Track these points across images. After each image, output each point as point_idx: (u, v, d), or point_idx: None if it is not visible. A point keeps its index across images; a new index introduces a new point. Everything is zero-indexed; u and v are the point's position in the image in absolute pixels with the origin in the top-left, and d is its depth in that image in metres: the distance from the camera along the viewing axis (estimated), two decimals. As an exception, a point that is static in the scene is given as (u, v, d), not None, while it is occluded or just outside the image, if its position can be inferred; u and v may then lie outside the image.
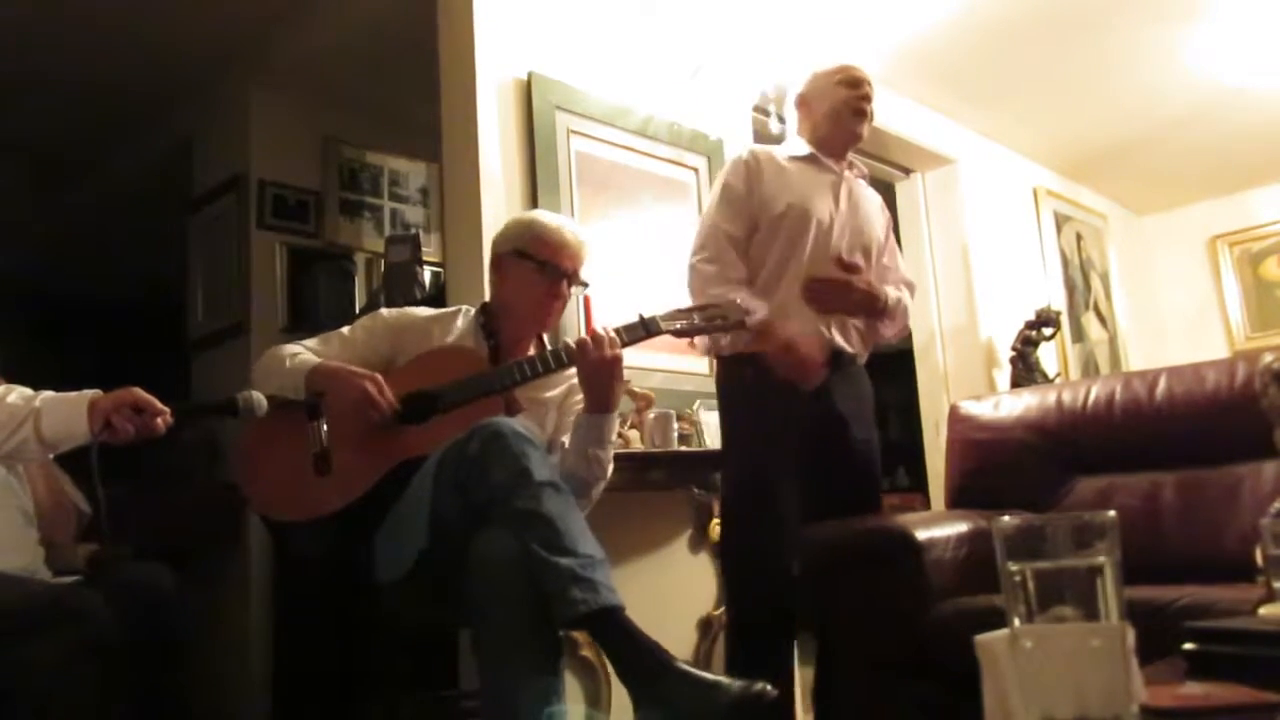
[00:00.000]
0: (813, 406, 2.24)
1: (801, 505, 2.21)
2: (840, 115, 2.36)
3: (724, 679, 1.47)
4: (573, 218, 2.80)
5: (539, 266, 2.05)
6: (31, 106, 3.89)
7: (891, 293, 2.36)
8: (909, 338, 4.50)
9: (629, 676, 1.50)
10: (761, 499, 2.22)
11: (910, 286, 2.50)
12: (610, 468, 2.00)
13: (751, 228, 2.30)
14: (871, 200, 2.47)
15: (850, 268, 2.28)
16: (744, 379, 2.31)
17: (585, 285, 2.16)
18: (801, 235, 2.27)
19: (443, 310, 2.14)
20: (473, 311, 2.14)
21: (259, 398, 1.83)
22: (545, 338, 2.21)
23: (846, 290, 2.26)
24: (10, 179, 4.52)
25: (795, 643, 2.23)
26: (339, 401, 1.85)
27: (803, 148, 2.40)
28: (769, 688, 1.44)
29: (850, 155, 2.45)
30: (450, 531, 1.65)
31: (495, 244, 2.16)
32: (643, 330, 1.98)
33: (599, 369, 1.89)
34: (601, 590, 1.52)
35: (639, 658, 1.50)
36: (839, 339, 2.28)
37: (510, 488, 1.58)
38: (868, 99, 2.37)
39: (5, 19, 3.28)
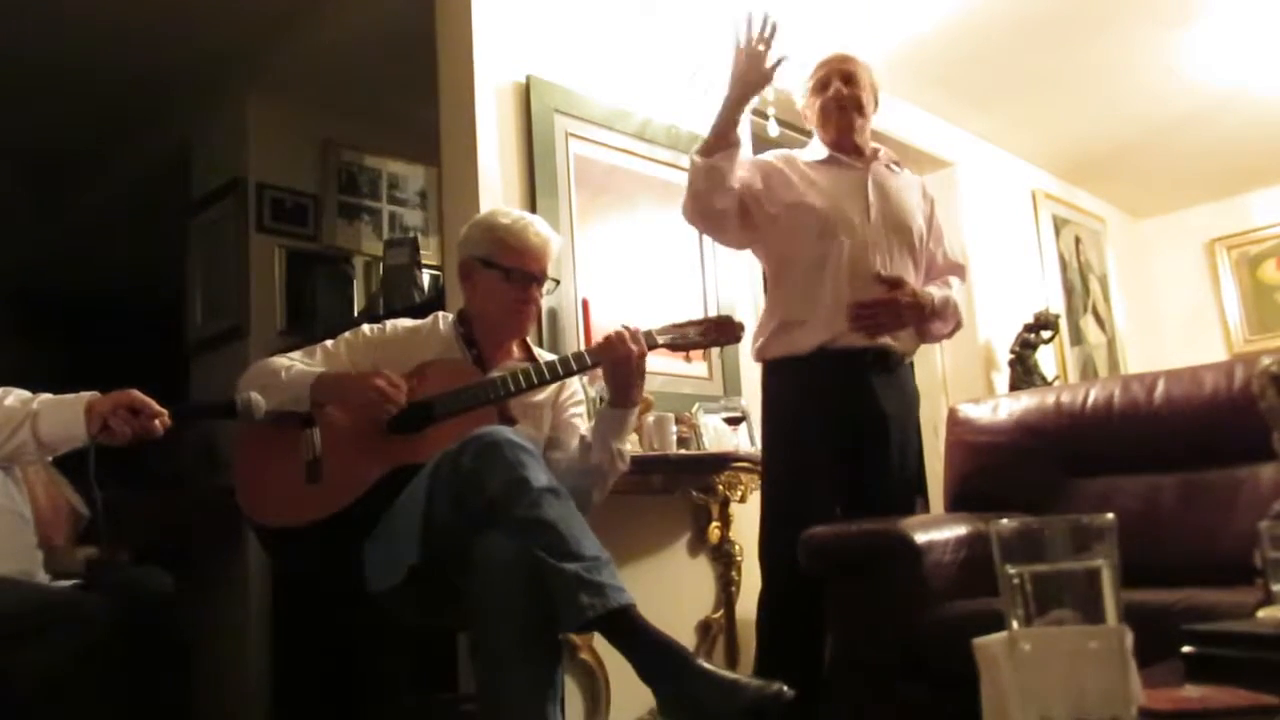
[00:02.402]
0: (858, 407, 2.25)
1: (840, 504, 2.24)
2: (825, 118, 2.40)
3: (741, 677, 1.48)
4: (571, 221, 2.80)
5: (505, 274, 2.03)
6: (31, 110, 3.89)
7: (936, 293, 2.33)
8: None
9: (650, 676, 1.51)
10: (797, 501, 2.24)
11: (960, 270, 2.47)
12: (628, 462, 2.03)
13: (749, 202, 2.32)
14: (908, 186, 2.44)
15: (892, 282, 2.24)
16: (783, 381, 2.33)
17: (556, 283, 2.16)
18: (834, 240, 2.27)
19: (421, 322, 2.13)
20: (451, 318, 2.13)
21: (258, 399, 1.82)
22: (529, 339, 2.21)
23: (892, 308, 2.24)
24: (10, 181, 4.52)
25: (824, 646, 2.23)
26: (349, 404, 1.85)
27: (820, 151, 2.41)
28: (785, 689, 1.44)
29: (876, 144, 2.45)
30: (444, 542, 1.65)
31: (460, 250, 2.14)
32: None
33: (624, 363, 1.92)
34: (609, 592, 1.52)
35: (656, 656, 1.50)
36: (888, 339, 2.28)
37: (509, 497, 1.58)
38: (838, 95, 2.36)
39: (5, 22, 3.28)
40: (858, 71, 2.40)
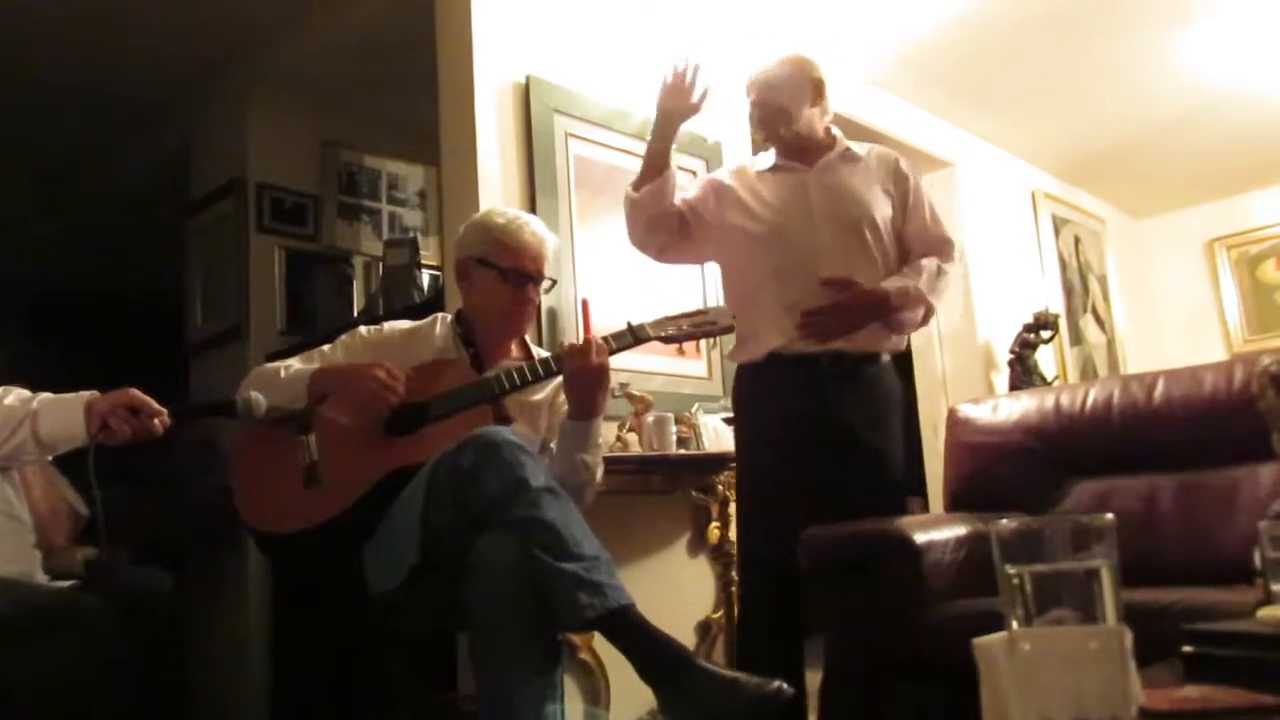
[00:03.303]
0: (816, 413, 2.22)
1: (816, 511, 2.20)
2: (753, 131, 2.43)
3: (741, 675, 1.48)
4: (571, 221, 2.80)
5: (502, 274, 2.04)
6: (31, 110, 3.89)
7: (893, 285, 2.26)
8: (907, 340, 4.51)
9: (650, 675, 1.51)
10: (760, 505, 2.26)
11: (942, 247, 2.36)
12: (600, 471, 2.01)
13: (694, 222, 2.36)
14: (867, 174, 2.36)
15: (838, 284, 2.22)
16: (744, 387, 2.34)
17: (553, 282, 2.16)
18: (777, 249, 2.27)
19: (419, 323, 2.13)
20: (449, 319, 2.13)
21: (258, 398, 1.83)
22: (527, 338, 2.22)
23: (839, 311, 2.21)
24: (10, 182, 4.52)
25: (803, 645, 2.23)
26: (348, 395, 1.85)
27: (768, 159, 2.43)
28: (785, 686, 1.45)
29: (836, 134, 2.42)
30: (444, 543, 1.65)
31: (456, 250, 2.14)
32: (630, 338, 1.99)
33: (583, 375, 1.89)
34: (608, 591, 1.52)
35: (657, 655, 1.51)
36: (841, 342, 2.23)
37: (508, 497, 1.58)
38: (753, 108, 2.38)
39: (4, 22, 3.28)
40: (769, 77, 2.37)
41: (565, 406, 2.07)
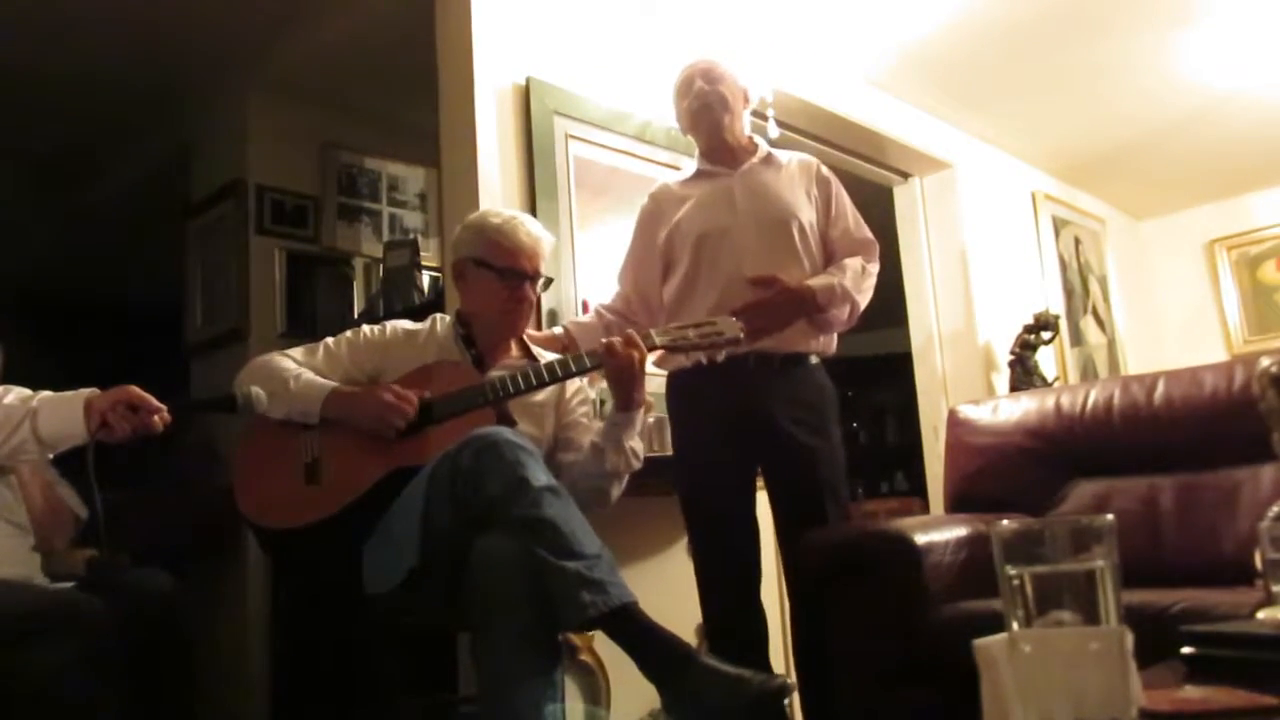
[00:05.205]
0: (746, 413, 2.22)
1: (750, 509, 2.29)
2: (691, 123, 2.40)
3: (745, 672, 1.48)
4: (571, 222, 2.80)
5: (498, 274, 2.05)
6: (31, 112, 3.89)
7: (818, 283, 2.23)
8: (907, 341, 4.52)
9: (653, 672, 1.51)
10: (698, 504, 2.31)
11: (864, 248, 2.35)
12: (642, 458, 2.07)
13: (655, 268, 2.38)
14: (791, 178, 2.36)
15: (764, 282, 2.21)
16: (676, 393, 2.36)
17: (550, 281, 2.17)
18: (702, 253, 2.27)
19: (419, 325, 2.14)
20: (449, 319, 2.14)
21: (259, 393, 1.83)
22: (527, 338, 2.22)
23: (766, 309, 2.18)
24: (10, 184, 4.51)
25: (765, 646, 2.23)
26: (359, 420, 1.86)
27: (690, 169, 2.44)
28: (789, 681, 1.47)
29: (759, 140, 2.43)
30: (444, 543, 1.65)
31: (453, 251, 2.15)
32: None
33: (625, 369, 1.93)
34: (611, 589, 1.52)
35: (659, 652, 1.51)
36: (766, 343, 2.21)
37: (509, 497, 1.58)
38: (700, 93, 2.34)
39: (3, 23, 3.28)
40: (719, 69, 2.37)
41: (576, 406, 2.14)
